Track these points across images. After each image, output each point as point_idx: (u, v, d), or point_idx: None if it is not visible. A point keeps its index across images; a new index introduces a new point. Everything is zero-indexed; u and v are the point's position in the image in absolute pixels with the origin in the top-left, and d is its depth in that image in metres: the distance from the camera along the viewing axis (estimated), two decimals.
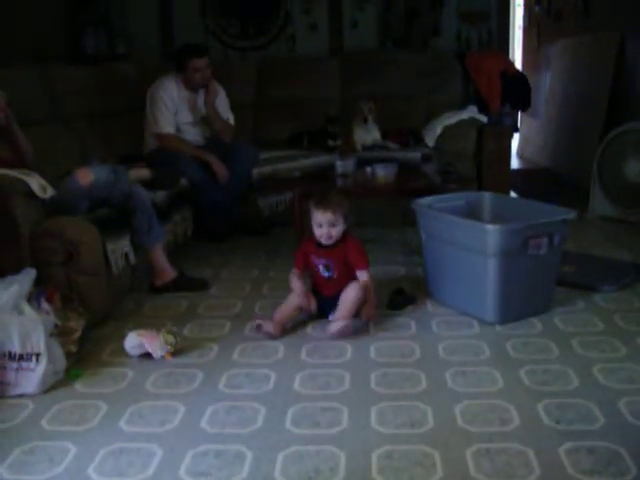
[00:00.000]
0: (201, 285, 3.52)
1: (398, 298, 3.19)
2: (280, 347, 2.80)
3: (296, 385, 2.49)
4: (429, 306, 3.22)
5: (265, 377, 2.55)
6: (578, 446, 2.07)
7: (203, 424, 2.24)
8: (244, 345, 2.83)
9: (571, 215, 3.02)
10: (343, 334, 2.85)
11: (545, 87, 7.13)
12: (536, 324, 2.99)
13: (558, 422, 2.21)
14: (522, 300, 3.01)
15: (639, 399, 2.34)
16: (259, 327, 2.89)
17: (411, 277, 3.61)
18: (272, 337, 2.87)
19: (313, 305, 3.03)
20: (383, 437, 2.15)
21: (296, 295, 2.97)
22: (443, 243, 3.14)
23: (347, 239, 3.02)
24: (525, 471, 1.96)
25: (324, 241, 2.97)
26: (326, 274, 3.02)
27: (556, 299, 3.17)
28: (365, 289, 2.96)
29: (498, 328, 2.95)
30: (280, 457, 2.05)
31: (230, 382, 2.52)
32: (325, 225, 2.93)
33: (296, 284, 3.00)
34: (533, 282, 3.03)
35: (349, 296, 2.92)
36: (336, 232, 2.95)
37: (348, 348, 2.79)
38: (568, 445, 2.08)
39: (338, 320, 2.88)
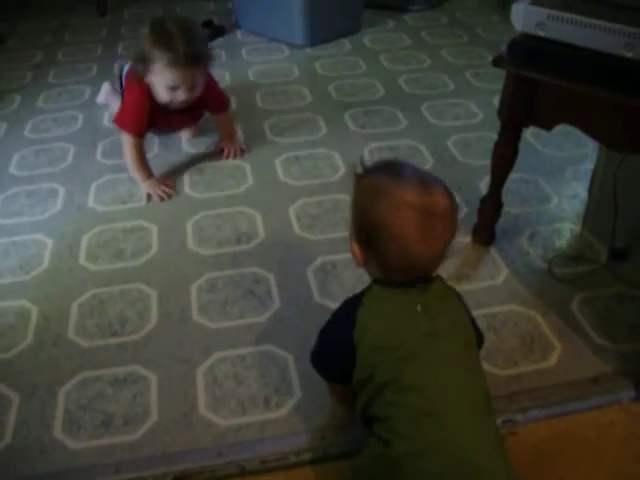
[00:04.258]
0: None
1: (208, 30, 3.08)
2: (86, 90, 2.68)
3: (105, 121, 2.42)
4: (239, 36, 3.16)
5: (73, 118, 2.46)
6: (382, 146, 2.20)
7: (11, 170, 2.15)
8: (48, 92, 2.68)
9: None
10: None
11: None
12: (345, 44, 3.01)
13: (363, 127, 2.31)
14: (330, 20, 2.99)
15: (439, 102, 2.48)
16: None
17: (220, 10, 3.49)
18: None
19: None
20: (193, 157, 2.18)
21: None
22: None
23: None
24: (331, 171, 2.07)
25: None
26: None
27: (366, 20, 3.19)
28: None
29: (308, 50, 2.96)
30: (93, 187, 2.04)
31: (36, 128, 2.41)
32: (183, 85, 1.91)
33: None
34: (341, 1, 3.00)
35: None
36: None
37: None
38: (372, 145, 2.20)
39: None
